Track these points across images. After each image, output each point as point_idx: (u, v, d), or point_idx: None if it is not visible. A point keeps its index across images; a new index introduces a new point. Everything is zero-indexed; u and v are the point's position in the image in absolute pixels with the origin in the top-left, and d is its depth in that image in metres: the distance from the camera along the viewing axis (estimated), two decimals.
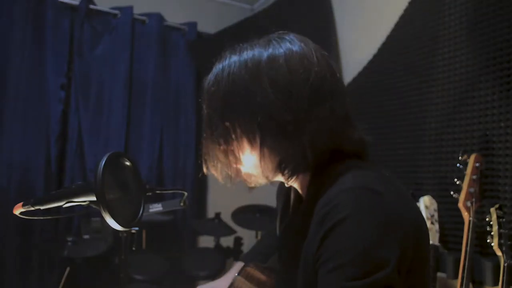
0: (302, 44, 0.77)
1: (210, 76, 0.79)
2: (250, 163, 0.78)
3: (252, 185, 0.83)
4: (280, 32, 0.81)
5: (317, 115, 0.73)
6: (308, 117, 0.72)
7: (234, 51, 0.79)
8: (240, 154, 0.77)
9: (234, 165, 0.79)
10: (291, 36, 0.79)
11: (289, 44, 0.76)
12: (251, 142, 0.74)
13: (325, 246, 0.64)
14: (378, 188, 0.66)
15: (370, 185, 0.66)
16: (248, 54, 0.76)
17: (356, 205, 0.63)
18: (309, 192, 0.78)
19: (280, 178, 0.82)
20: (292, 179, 0.79)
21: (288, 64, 0.73)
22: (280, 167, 0.76)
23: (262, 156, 0.75)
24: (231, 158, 0.77)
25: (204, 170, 0.83)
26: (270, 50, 0.75)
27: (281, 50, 0.75)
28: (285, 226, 0.92)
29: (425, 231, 0.73)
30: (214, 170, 0.81)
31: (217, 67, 0.79)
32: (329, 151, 0.74)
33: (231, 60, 0.77)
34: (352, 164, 0.74)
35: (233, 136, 0.75)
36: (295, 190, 0.88)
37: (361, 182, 0.67)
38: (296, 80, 0.73)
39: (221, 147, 0.77)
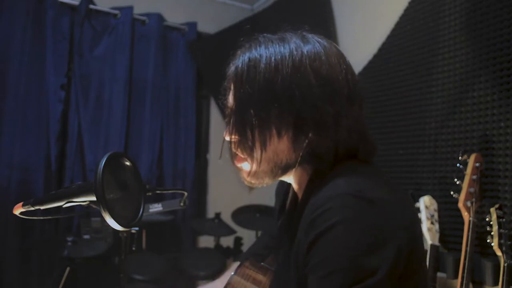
0: (333, 45, 0.79)
1: (242, 61, 0.77)
2: (268, 157, 0.76)
3: (256, 185, 0.81)
4: (305, 30, 0.81)
5: (352, 113, 0.74)
6: (346, 113, 0.73)
7: (269, 40, 0.77)
8: (266, 143, 0.75)
9: (258, 154, 0.75)
10: (319, 36, 0.80)
11: (324, 42, 0.78)
12: (282, 133, 0.74)
13: (314, 252, 0.63)
14: (370, 194, 0.65)
15: (362, 191, 0.65)
16: (290, 45, 0.75)
17: (345, 212, 0.63)
18: (306, 192, 0.78)
19: (286, 177, 0.81)
20: (319, 172, 0.76)
21: (329, 60, 0.75)
22: (311, 159, 0.75)
23: (291, 147, 0.74)
24: (256, 146, 0.75)
25: (232, 155, 0.81)
26: (310, 46, 0.76)
27: (320, 46, 0.76)
28: (280, 225, 0.92)
29: (419, 235, 0.72)
30: (236, 161, 0.80)
31: (251, 54, 0.76)
32: (353, 150, 0.75)
33: (271, 50, 0.75)
34: (348, 167, 0.74)
35: (265, 123, 0.74)
36: (293, 189, 0.88)
37: (353, 188, 0.66)
38: (337, 76, 0.74)
39: (248, 135, 0.75)
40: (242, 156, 0.79)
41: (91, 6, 2.90)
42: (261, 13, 3.20)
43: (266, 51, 0.75)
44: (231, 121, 0.77)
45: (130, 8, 3.01)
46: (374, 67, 2.22)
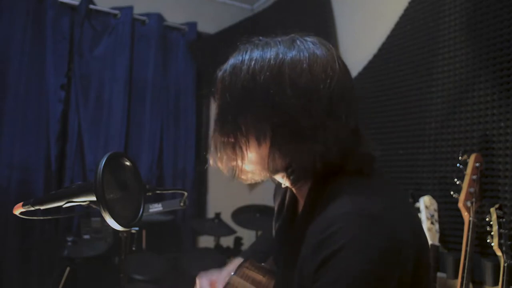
0: (326, 50, 0.75)
1: (227, 67, 0.77)
2: (253, 160, 0.76)
3: (248, 181, 0.81)
4: (303, 33, 0.79)
5: (332, 125, 0.71)
6: (323, 125, 0.71)
7: (256, 45, 0.76)
8: (247, 150, 0.75)
9: (239, 160, 0.76)
10: (315, 39, 0.77)
11: (313, 48, 0.74)
12: (260, 140, 0.73)
13: (322, 272, 0.63)
14: (377, 211, 0.65)
15: (368, 209, 0.65)
16: (272, 51, 0.74)
17: (355, 232, 0.63)
18: (306, 203, 0.77)
19: (279, 178, 0.82)
20: (295, 185, 0.78)
21: (311, 69, 0.71)
22: (286, 170, 0.75)
23: (269, 156, 0.73)
24: (237, 152, 0.75)
25: (210, 162, 0.81)
26: (294, 52, 0.73)
27: (306, 54, 0.73)
28: (279, 230, 0.92)
29: (425, 246, 0.72)
30: (220, 163, 0.79)
31: (236, 59, 0.76)
32: (335, 164, 0.73)
33: (253, 55, 0.74)
34: (352, 182, 0.72)
35: (244, 131, 0.73)
36: (291, 191, 0.88)
37: (359, 206, 0.66)
38: (317, 86, 0.71)
39: (229, 140, 0.75)
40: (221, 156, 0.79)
41: (91, 6, 2.90)
42: (261, 13, 3.20)
43: (248, 58, 0.74)
44: (214, 125, 0.78)
45: (130, 8, 3.01)
46: (374, 67, 2.22)
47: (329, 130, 0.71)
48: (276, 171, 0.77)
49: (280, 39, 0.77)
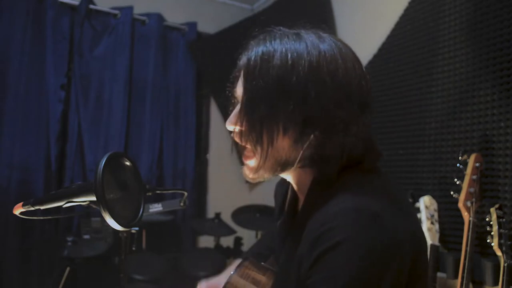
0: (348, 48, 0.77)
1: (253, 54, 0.75)
2: (265, 154, 0.75)
3: (256, 180, 0.80)
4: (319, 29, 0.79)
5: (362, 121, 0.73)
6: (356, 120, 0.72)
7: (285, 35, 0.76)
8: (276, 138, 0.73)
9: (266, 149, 0.74)
10: (334, 37, 0.78)
11: (339, 45, 0.76)
12: (288, 130, 0.72)
13: (318, 268, 0.63)
14: (376, 209, 0.65)
15: (368, 206, 0.65)
16: (307, 42, 0.74)
17: (352, 229, 0.63)
18: (307, 199, 0.77)
19: (285, 175, 0.81)
20: (322, 176, 0.75)
21: (344, 64, 0.73)
22: (313, 162, 0.74)
23: (291, 146, 0.73)
24: (266, 141, 0.73)
25: (240, 143, 0.79)
26: (327, 46, 0.74)
27: (336, 49, 0.74)
28: (280, 227, 0.92)
29: (423, 249, 0.72)
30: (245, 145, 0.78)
31: (265, 47, 0.74)
32: (358, 159, 0.74)
33: (286, 45, 0.73)
34: (354, 179, 0.73)
35: (275, 119, 0.72)
36: (292, 189, 0.88)
37: (361, 204, 0.66)
38: (352, 81, 0.72)
39: (255, 127, 0.74)
40: (247, 147, 0.78)
41: (91, 6, 2.90)
42: (261, 13, 3.20)
43: (281, 46, 0.73)
44: (240, 112, 0.76)
45: (130, 8, 3.01)
46: (374, 67, 2.22)
47: (360, 125, 0.73)
48: (288, 166, 0.76)
49: (306, 32, 0.77)
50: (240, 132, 0.77)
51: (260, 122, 0.73)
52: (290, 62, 0.72)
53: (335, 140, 0.72)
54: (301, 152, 0.74)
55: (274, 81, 0.72)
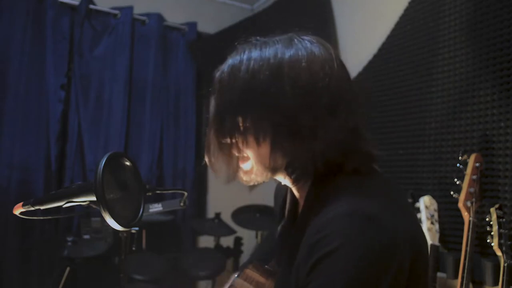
0: (324, 48, 0.75)
1: (225, 67, 0.77)
2: (253, 160, 0.76)
3: (251, 183, 0.81)
4: (301, 32, 0.79)
5: (332, 124, 0.71)
6: (323, 124, 0.71)
7: (254, 45, 0.76)
8: (245, 149, 0.75)
9: (236, 161, 0.77)
10: (313, 38, 0.77)
11: (311, 47, 0.74)
12: (259, 140, 0.73)
13: (315, 274, 0.63)
14: (372, 211, 0.65)
15: (364, 209, 0.65)
16: (270, 51, 0.74)
17: (349, 235, 0.62)
18: (306, 204, 0.77)
19: (280, 178, 0.81)
20: (297, 184, 0.78)
21: (310, 68, 0.72)
22: (286, 170, 0.75)
23: (270, 155, 0.73)
24: (234, 153, 0.76)
25: (206, 161, 0.81)
26: (293, 51, 0.73)
27: (304, 52, 0.73)
28: (281, 231, 0.92)
29: (423, 249, 0.72)
30: (215, 164, 0.80)
31: (235, 59, 0.76)
32: (335, 163, 0.73)
33: (252, 55, 0.74)
34: (350, 182, 0.72)
35: (242, 131, 0.73)
36: (291, 192, 0.88)
37: (355, 207, 0.65)
38: (316, 84, 0.71)
39: (227, 141, 0.75)
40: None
41: (91, 6, 2.90)
42: (261, 13, 3.20)
43: (247, 57, 0.74)
44: (211, 125, 0.78)
45: (130, 8, 3.01)
46: (374, 67, 2.22)
47: (329, 128, 0.71)
48: (276, 171, 0.77)
49: (278, 39, 0.77)
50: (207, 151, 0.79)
51: (229, 134, 0.74)
52: (251, 72, 0.72)
53: (303, 147, 0.71)
54: (280, 160, 0.74)
55: (238, 93, 0.73)
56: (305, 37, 0.77)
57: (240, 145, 0.75)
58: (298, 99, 0.70)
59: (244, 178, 0.81)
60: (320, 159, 0.72)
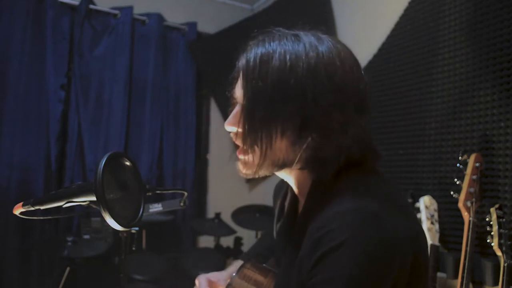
0: (349, 51, 0.77)
1: (250, 55, 0.75)
2: (260, 153, 0.75)
3: (251, 176, 0.80)
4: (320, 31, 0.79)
5: (360, 123, 0.73)
6: (353, 121, 0.72)
7: (283, 36, 0.75)
8: (275, 140, 0.73)
9: (264, 151, 0.74)
10: (334, 39, 0.78)
11: (339, 47, 0.76)
12: (286, 132, 0.72)
13: (319, 269, 0.64)
14: (377, 208, 0.65)
15: (368, 206, 0.66)
16: (305, 43, 0.73)
17: (352, 230, 0.63)
18: (308, 200, 0.77)
19: (282, 174, 0.81)
20: (321, 177, 0.75)
21: (343, 66, 0.73)
22: (307, 165, 0.75)
23: (288, 149, 0.74)
24: (264, 142, 0.73)
25: (243, 148, 0.78)
26: (326, 48, 0.74)
27: (335, 51, 0.74)
28: (280, 230, 0.92)
29: (424, 249, 0.72)
30: (245, 152, 0.78)
31: (264, 48, 0.74)
32: (355, 160, 0.74)
33: (285, 46, 0.73)
34: (354, 179, 0.73)
35: (274, 121, 0.72)
36: (292, 190, 0.88)
37: (361, 204, 0.66)
38: (348, 83, 0.73)
39: (257, 132, 0.74)
40: (244, 148, 0.78)
41: (91, 6, 2.90)
42: (261, 13, 3.20)
43: (280, 48, 0.73)
44: (240, 114, 0.76)
45: (130, 8, 3.01)
46: (374, 67, 2.22)
47: (358, 125, 0.73)
48: (284, 166, 0.76)
49: (305, 33, 0.77)
50: (238, 133, 0.77)
51: (259, 124, 0.73)
52: (288, 63, 0.72)
53: (333, 142, 0.72)
54: (299, 154, 0.74)
55: (273, 83, 0.72)
56: (331, 38, 0.77)
57: (264, 135, 0.73)
58: (335, 96, 0.71)
59: (244, 171, 0.80)
60: (345, 155, 0.73)
